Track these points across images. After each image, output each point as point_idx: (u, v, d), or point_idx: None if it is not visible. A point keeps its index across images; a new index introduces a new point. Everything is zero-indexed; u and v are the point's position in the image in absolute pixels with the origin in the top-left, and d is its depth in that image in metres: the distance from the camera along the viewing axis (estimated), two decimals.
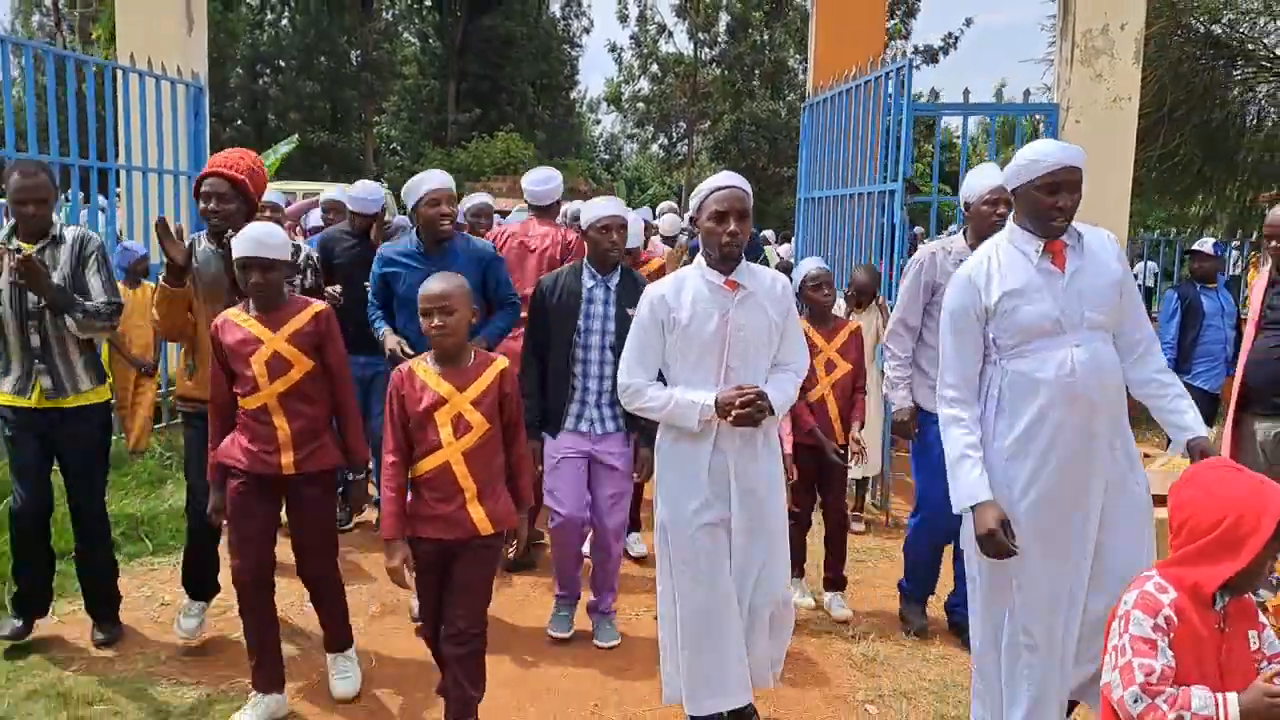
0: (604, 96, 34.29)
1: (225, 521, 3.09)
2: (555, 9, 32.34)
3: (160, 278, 3.34)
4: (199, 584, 3.64)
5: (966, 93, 5.75)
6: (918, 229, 8.68)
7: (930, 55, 30.17)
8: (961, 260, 3.29)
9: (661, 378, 2.92)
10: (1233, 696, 1.77)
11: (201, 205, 3.40)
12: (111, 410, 3.75)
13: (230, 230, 3.29)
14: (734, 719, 2.96)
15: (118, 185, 6.39)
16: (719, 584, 2.82)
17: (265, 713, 3.06)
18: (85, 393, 3.46)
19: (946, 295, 2.71)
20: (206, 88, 6.71)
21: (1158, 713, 1.78)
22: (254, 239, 2.93)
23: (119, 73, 5.99)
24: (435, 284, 2.70)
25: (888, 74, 5.30)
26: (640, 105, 31.29)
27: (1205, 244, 6.09)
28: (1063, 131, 6.37)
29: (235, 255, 2.95)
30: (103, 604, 3.64)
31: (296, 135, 12.16)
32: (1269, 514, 1.77)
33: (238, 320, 3.02)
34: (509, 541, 2.95)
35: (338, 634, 3.31)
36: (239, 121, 28.23)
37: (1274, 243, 3.76)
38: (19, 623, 3.49)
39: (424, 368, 2.76)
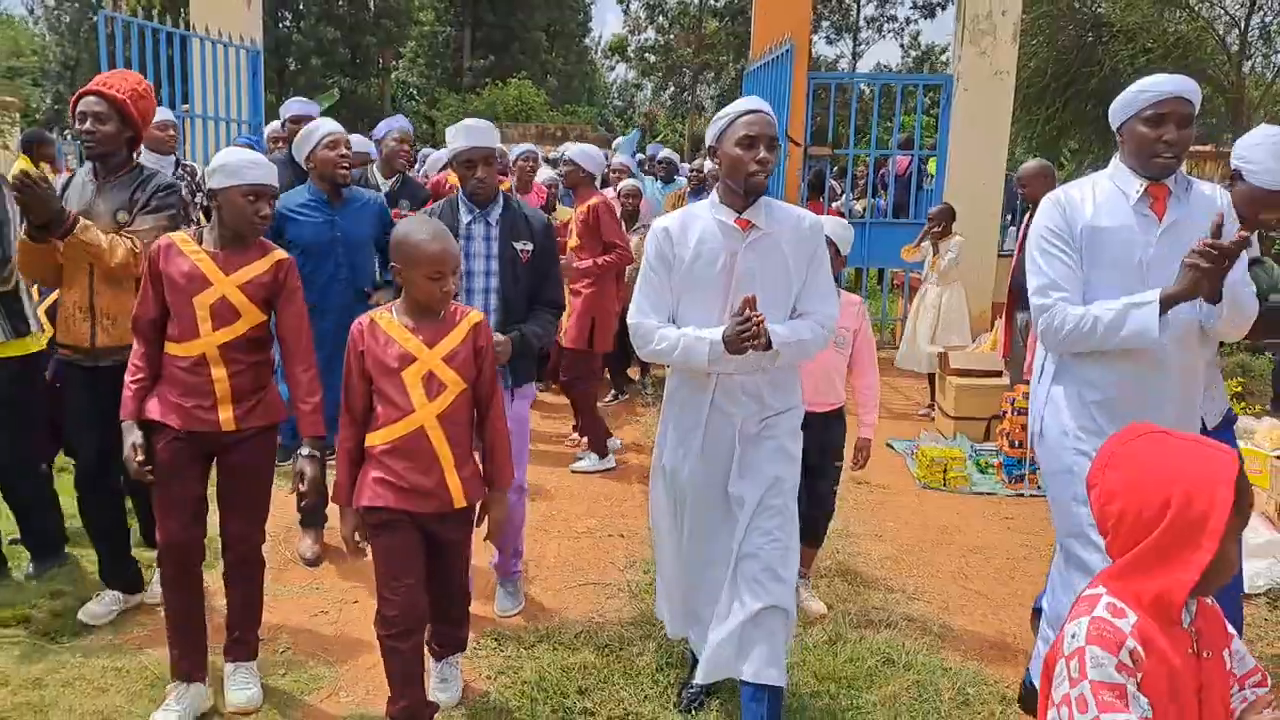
0: (609, 47, 35.31)
1: (151, 480, 2.66)
2: None
3: (23, 229, 3.03)
4: (117, 567, 3.36)
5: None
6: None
7: (929, 10, 31.28)
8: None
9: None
10: None
11: (76, 126, 3.08)
12: (31, 365, 3.46)
13: (105, 153, 3.06)
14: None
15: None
16: (708, 545, 2.69)
17: (190, 707, 2.65)
18: None
19: (1035, 218, 2.54)
20: (262, 51, 8.29)
21: None
22: (263, 164, 2.62)
23: (196, 41, 7.58)
24: (441, 242, 2.39)
25: (786, 51, 6.88)
26: (648, 56, 32.34)
27: None
28: (955, 100, 7.89)
29: (245, 182, 2.58)
30: (34, 538, 3.63)
31: (337, 90, 13.56)
32: (1222, 481, 1.35)
33: (185, 250, 2.63)
34: (479, 523, 2.62)
35: (246, 633, 2.81)
36: None
37: (1023, 189, 5.32)
38: None
39: (388, 319, 2.44)
